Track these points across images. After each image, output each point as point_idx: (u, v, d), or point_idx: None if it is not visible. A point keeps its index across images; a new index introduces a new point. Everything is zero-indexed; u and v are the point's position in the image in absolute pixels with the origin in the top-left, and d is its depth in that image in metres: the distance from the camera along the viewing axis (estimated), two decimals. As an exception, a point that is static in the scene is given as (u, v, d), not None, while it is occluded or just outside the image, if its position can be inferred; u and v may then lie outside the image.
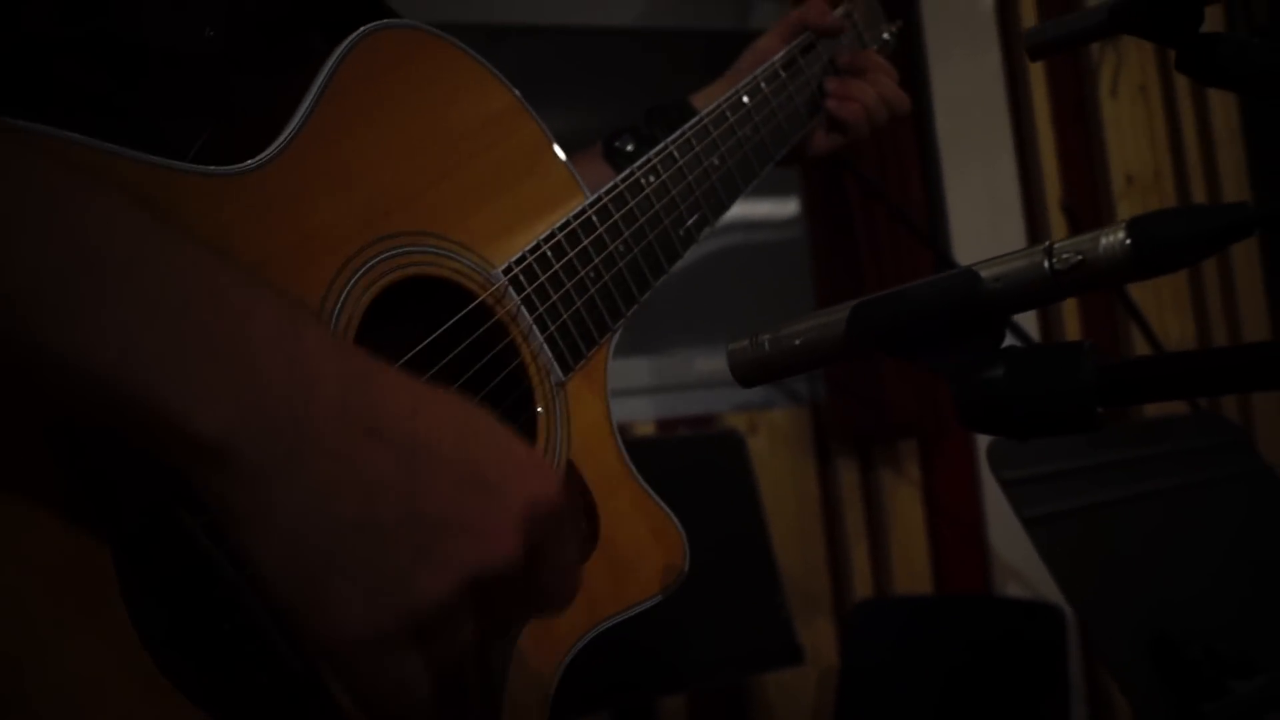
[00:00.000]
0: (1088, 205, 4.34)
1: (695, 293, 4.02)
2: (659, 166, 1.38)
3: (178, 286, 0.76)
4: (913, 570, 3.87)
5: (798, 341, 0.84)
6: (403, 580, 0.75)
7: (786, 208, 4.15)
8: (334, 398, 0.77)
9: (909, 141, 3.90)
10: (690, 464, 3.10)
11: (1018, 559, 3.84)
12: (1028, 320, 4.01)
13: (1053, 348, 0.78)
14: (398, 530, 0.76)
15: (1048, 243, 0.78)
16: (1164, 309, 4.38)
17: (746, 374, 0.86)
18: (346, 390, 0.78)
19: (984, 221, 4.07)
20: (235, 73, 1.13)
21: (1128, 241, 0.76)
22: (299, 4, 1.25)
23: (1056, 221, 4.11)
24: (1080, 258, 0.77)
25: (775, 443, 3.73)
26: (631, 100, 4.27)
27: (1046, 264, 0.78)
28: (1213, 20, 3.99)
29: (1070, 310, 4.19)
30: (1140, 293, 4.25)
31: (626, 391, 3.52)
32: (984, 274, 0.79)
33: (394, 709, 0.77)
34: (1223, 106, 4.55)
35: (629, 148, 1.57)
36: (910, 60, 4.03)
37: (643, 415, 3.58)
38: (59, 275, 0.73)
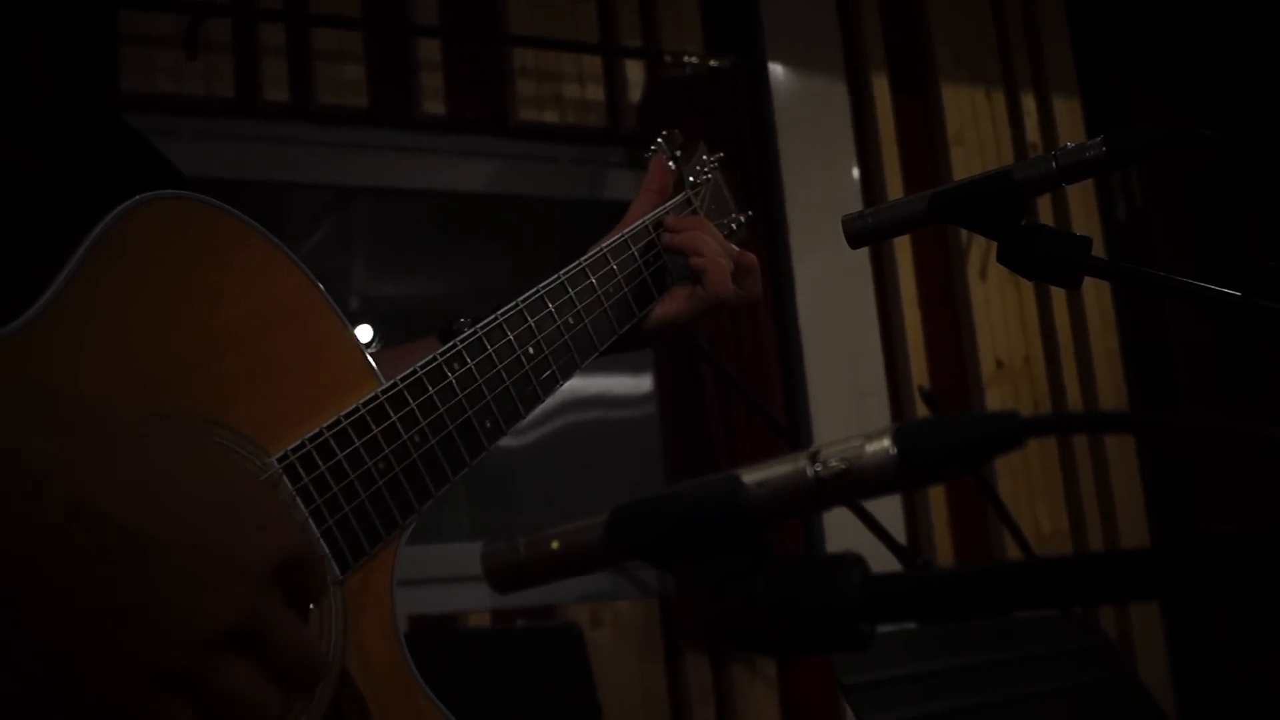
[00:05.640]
0: (956, 391, 4.43)
1: (535, 471, 4.01)
2: (464, 353, 1.36)
3: None
4: (767, 777, 3.83)
5: (555, 546, 0.83)
6: (150, 659, 0.87)
7: (641, 384, 4.19)
8: (62, 502, 0.85)
9: (768, 327, 3.98)
10: (525, 659, 3.05)
11: (879, 766, 3.81)
12: (894, 515, 4.05)
13: (817, 559, 0.78)
14: (134, 612, 0.87)
15: (814, 447, 0.79)
16: (1035, 501, 4.45)
17: (501, 579, 0.85)
18: (70, 495, 0.86)
19: (848, 409, 4.13)
20: (8, 237, 1.11)
21: (893, 451, 0.76)
22: (87, 165, 1.23)
23: (922, 409, 4.18)
24: (844, 466, 0.77)
25: (621, 636, 3.69)
26: (480, 268, 4.30)
27: (810, 471, 0.78)
28: (1088, 202, 4.12)
29: (938, 503, 4.24)
30: (1010, 483, 4.32)
31: (460, 578, 3.48)
32: (746, 479, 0.79)
33: None
34: (1096, 291, 4.69)
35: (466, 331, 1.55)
36: (771, 244, 4.13)
37: (477, 604, 3.52)
38: None
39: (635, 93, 4.16)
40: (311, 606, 1.15)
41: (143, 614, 0.87)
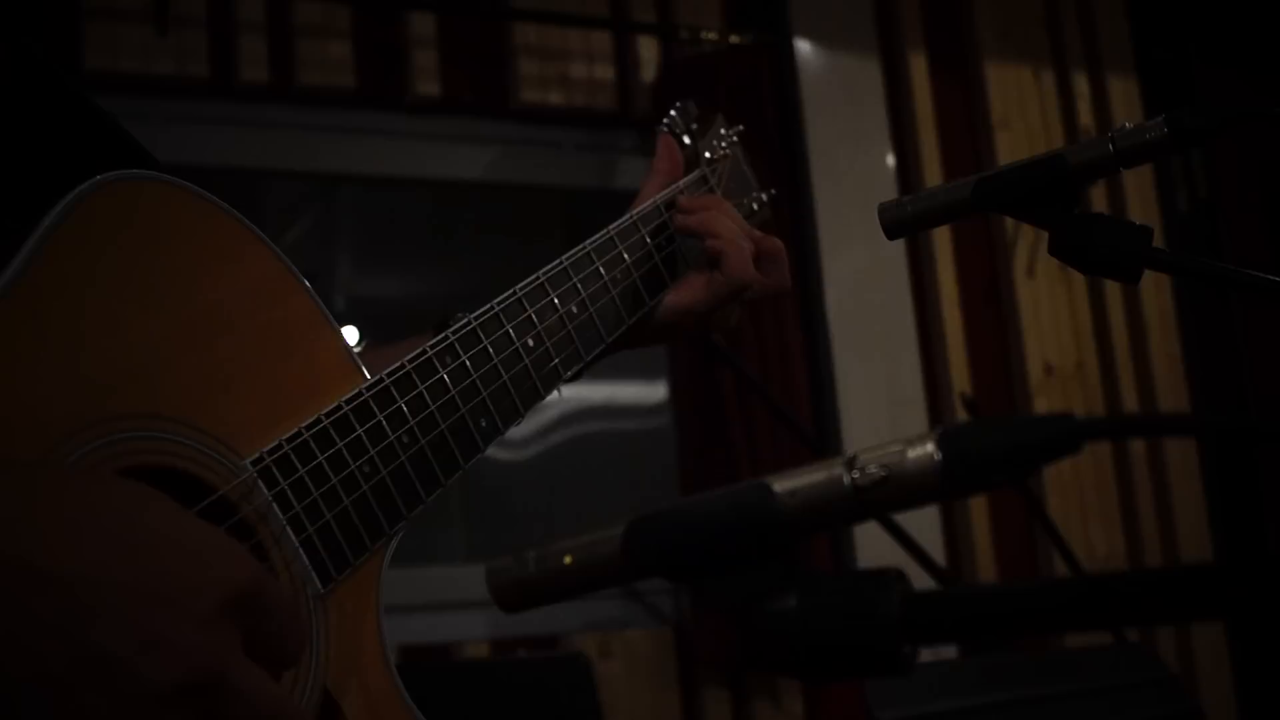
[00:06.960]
0: (1001, 399, 4.43)
1: (537, 487, 4.01)
2: (457, 346, 1.37)
3: None
4: (793, 824, 3.83)
5: (568, 561, 0.84)
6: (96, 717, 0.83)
7: (654, 391, 4.19)
8: None
9: (795, 329, 3.98)
10: (527, 693, 3.05)
11: (916, 813, 3.81)
12: (932, 536, 4.05)
13: (855, 575, 0.79)
14: (75, 673, 0.83)
15: (851, 454, 0.80)
16: (1088, 520, 4.44)
17: (509, 597, 0.86)
18: None
19: (882, 418, 4.13)
20: None
21: (938, 456, 0.77)
22: (47, 153, 1.23)
23: (964, 418, 4.18)
24: (884, 473, 0.78)
25: (632, 669, 3.70)
26: (477, 264, 4.30)
27: (848, 479, 0.79)
28: (1145, 193, 4.10)
29: (980, 522, 4.24)
30: (1060, 501, 4.32)
31: (456, 605, 3.48)
32: (778, 488, 0.80)
33: None
34: (1156, 290, 4.69)
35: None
36: (799, 237, 4.13)
37: (475, 634, 3.53)
38: None
39: (648, 72, 4.17)
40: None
41: (79, 677, 0.83)
